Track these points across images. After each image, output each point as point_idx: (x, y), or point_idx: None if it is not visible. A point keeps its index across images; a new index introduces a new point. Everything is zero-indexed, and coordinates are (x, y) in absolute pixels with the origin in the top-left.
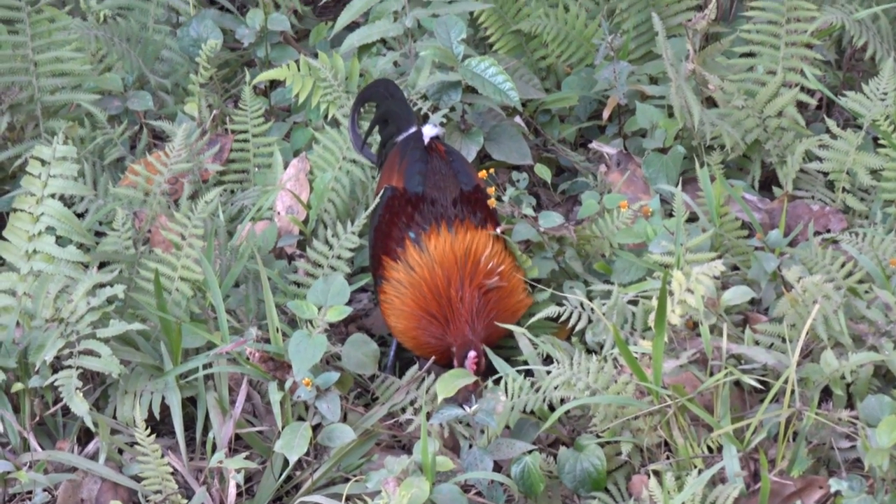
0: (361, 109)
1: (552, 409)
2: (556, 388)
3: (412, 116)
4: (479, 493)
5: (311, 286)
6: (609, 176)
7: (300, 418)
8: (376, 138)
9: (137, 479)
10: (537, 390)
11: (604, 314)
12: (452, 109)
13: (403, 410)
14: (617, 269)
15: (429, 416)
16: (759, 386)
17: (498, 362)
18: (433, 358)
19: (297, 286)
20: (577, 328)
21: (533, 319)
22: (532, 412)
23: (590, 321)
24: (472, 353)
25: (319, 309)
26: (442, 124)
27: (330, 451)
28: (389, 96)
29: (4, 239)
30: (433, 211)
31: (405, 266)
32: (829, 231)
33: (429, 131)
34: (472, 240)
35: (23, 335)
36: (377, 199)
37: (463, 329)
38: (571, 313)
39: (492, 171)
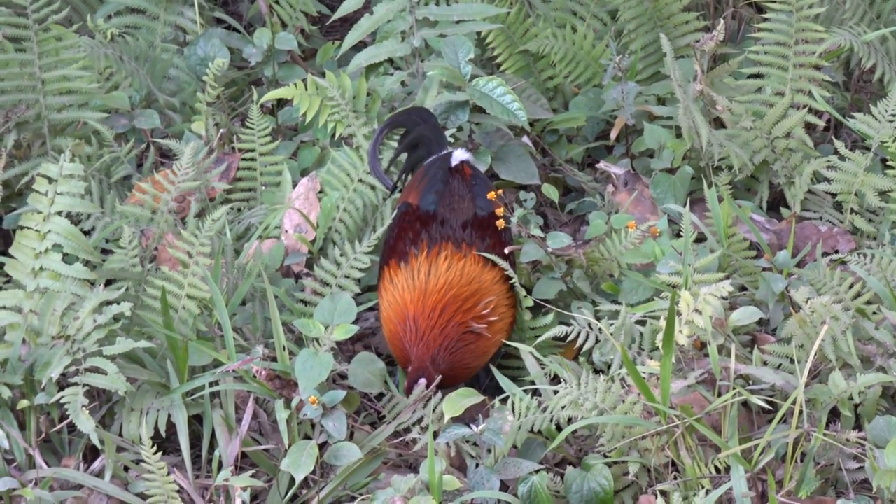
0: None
1: (559, 428)
2: (563, 407)
3: (445, 141)
4: None
5: (318, 305)
6: (617, 196)
7: (307, 436)
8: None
9: (143, 496)
10: (544, 410)
11: (611, 334)
12: (460, 129)
13: (408, 430)
14: (625, 290)
15: (435, 435)
16: (767, 406)
17: (504, 382)
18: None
19: (305, 304)
20: (585, 348)
21: (540, 339)
22: (539, 432)
23: (597, 341)
24: (422, 381)
25: (326, 327)
26: (450, 144)
27: (336, 469)
28: (422, 122)
29: (11, 256)
30: (441, 231)
31: (404, 278)
32: (837, 252)
33: (459, 155)
34: (479, 277)
35: (29, 352)
36: (394, 214)
37: (424, 356)
38: (579, 333)
39: (500, 192)
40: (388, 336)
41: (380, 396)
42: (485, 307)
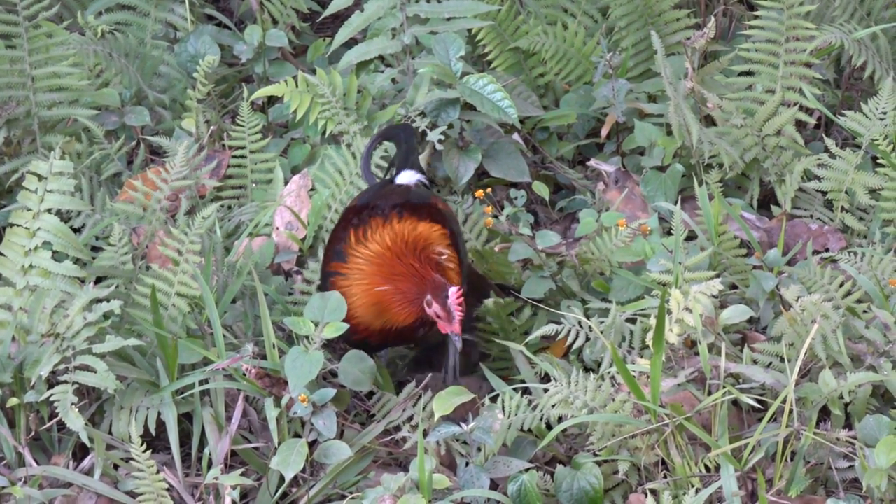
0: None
1: (549, 427)
2: (553, 406)
3: (411, 162)
4: None
5: (308, 302)
6: (607, 194)
7: (296, 435)
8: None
9: (133, 494)
10: (534, 408)
11: (602, 332)
12: (451, 126)
13: (398, 429)
14: (615, 288)
15: (425, 433)
16: (757, 405)
17: (494, 380)
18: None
19: (294, 304)
20: (575, 346)
21: (530, 337)
22: (529, 430)
23: (588, 339)
24: (452, 289)
25: (316, 325)
26: (440, 141)
27: (326, 467)
28: (407, 138)
29: (0, 254)
30: (371, 213)
31: (356, 252)
32: (827, 250)
33: (407, 177)
34: (416, 228)
35: (19, 350)
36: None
37: (432, 277)
38: (569, 331)
39: (489, 190)
40: (373, 301)
41: (370, 395)
42: (435, 243)
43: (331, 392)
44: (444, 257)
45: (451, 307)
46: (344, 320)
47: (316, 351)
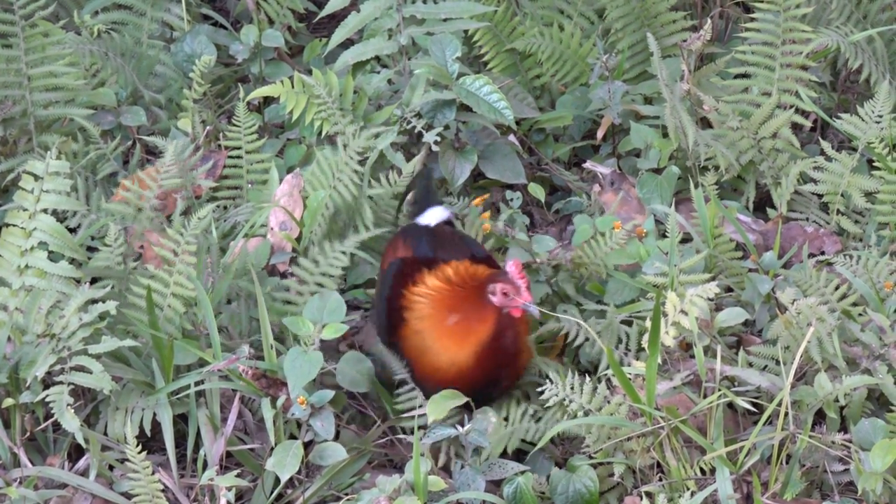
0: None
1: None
2: (548, 408)
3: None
4: None
5: (307, 303)
6: (603, 196)
7: (292, 436)
8: None
9: (128, 495)
10: (538, 420)
11: (598, 334)
12: (447, 128)
13: (394, 430)
14: (610, 290)
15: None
16: (752, 408)
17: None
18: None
19: (287, 304)
20: (574, 347)
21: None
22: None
23: (585, 341)
24: (510, 264)
25: (314, 325)
26: (436, 142)
27: (322, 469)
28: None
29: None
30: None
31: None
32: (823, 253)
33: (438, 214)
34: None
35: (14, 350)
36: (382, 277)
37: (483, 277)
38: (567, 334)
39: (486, 196)
40: (442, 335)
41: (366, 395)
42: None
43: (329, 394)
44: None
45: (513, 279)
46: (445, 374)
47: (315, 351)
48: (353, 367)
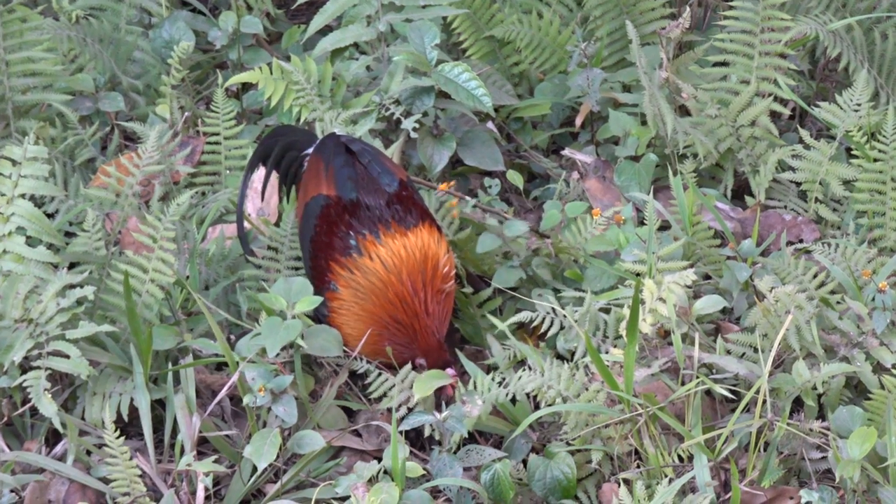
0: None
1: (514, 402)
2: (528, 394)
3: (314, 136)
4: (448, 500)
5: (273, 286)
6: (586, 182)
7: (265, 423)
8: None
9: (106, 480)
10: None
11: (576, 321)
12: (425, 115)
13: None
14: (588, 277)
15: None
16: (730, 396)
17: (468, 364)
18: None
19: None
20: (549, 335)
21: (505, 325)
22: (505, 418)
23: (561, 328)
24: (450, 371)
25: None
26: (415, 129)
27: (298, 455)
28: (279, 136)
29: None
30: (370, 216)
31: (362, 271)
32: (801, 241)
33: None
34: (426, 242)
35: None
36: (305, 209)
37: (431, 340)
38: (543, 320)
39: (453, 183)
40: (363, 335)
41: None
42: (444, 265)
43: (287, 379)
44: (450, 285)
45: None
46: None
47: (293, 319)
48: (318, 336)
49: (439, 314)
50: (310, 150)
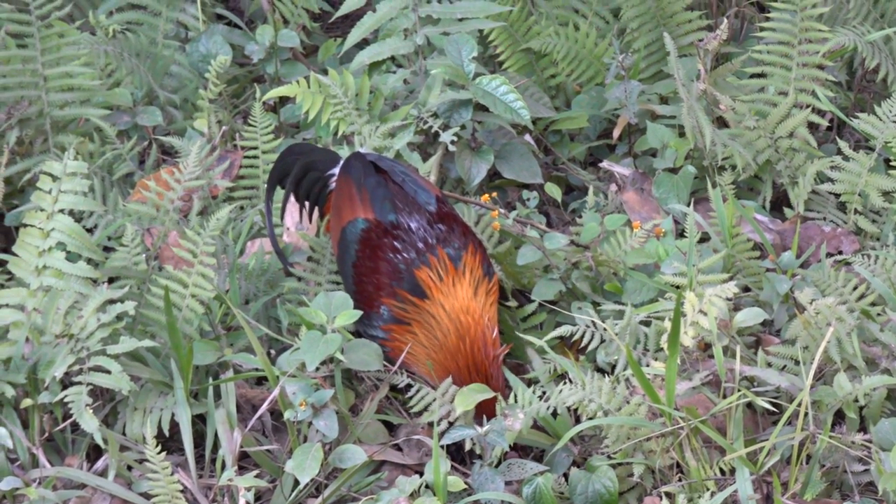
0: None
1: (555, 415)
2: (569, 408)
3: (332, 154)
4: None
5: (313, 301)
6: (624, 195)
7: (306, 438)
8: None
9: (147, 496)
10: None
11: (616, 334)
12: (463, 128)
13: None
14: (628, 290)
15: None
16: (772, 408)
17: (509, 376)
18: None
19: (302, 305)
20: (590, 349)
21: (546, 339)
22: (546, 432)
23: (602, 341)
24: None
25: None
26: (453, 142)
27: (340, 469)
28: (298, 154)
29: (14, 254)
30: (413, 239)
31: (425, 319)
32: (840, 253)
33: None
34: (475, 303)
35: (32, 351)
36: (343, 234)
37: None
38: (583, 334)
39: (494, 195)
40: (435, 374)
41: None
42: (491, 330)
43: (328, 393)
44: (503, 349)
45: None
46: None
47: (333, 333)
48: (359, 351)
49: (502, 378)
50: (333, 171)
